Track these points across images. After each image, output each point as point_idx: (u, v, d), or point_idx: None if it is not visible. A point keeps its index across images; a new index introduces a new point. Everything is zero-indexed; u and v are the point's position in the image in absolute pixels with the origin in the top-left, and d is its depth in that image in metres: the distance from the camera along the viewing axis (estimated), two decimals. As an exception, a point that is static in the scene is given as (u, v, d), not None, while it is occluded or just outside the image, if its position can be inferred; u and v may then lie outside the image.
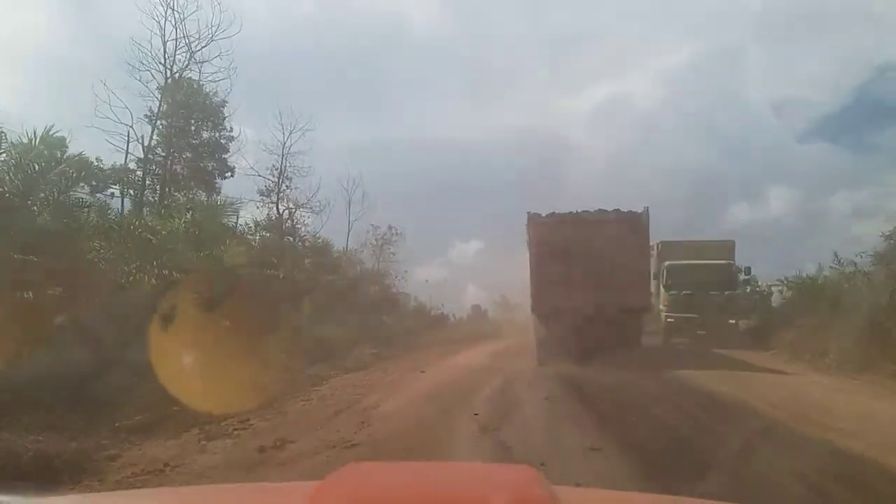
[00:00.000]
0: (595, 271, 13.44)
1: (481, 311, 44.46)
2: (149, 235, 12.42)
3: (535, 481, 1.56)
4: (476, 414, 7.94)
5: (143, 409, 7.85)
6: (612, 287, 13.50)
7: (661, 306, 20.02)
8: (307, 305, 17.14)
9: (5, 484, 4.52)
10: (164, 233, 12.83)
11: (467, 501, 1.52)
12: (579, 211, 14.56)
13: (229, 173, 22.60)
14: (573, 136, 50.34)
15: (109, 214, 13.63)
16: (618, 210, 14.35)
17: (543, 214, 14.56)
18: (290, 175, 26.31)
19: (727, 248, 21.25)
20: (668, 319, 19.55)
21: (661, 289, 20.11)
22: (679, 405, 8.59)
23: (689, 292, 19.23)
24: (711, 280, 19.14)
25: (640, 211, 14.46)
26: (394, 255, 30.15)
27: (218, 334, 11.26)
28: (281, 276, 19.76)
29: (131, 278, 11.93)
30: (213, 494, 2.42)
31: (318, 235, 26.64)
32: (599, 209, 14.46)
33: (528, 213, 14.59)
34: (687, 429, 7.19)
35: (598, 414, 7.96)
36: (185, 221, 14.67)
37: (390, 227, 29.71)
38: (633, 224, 14.05)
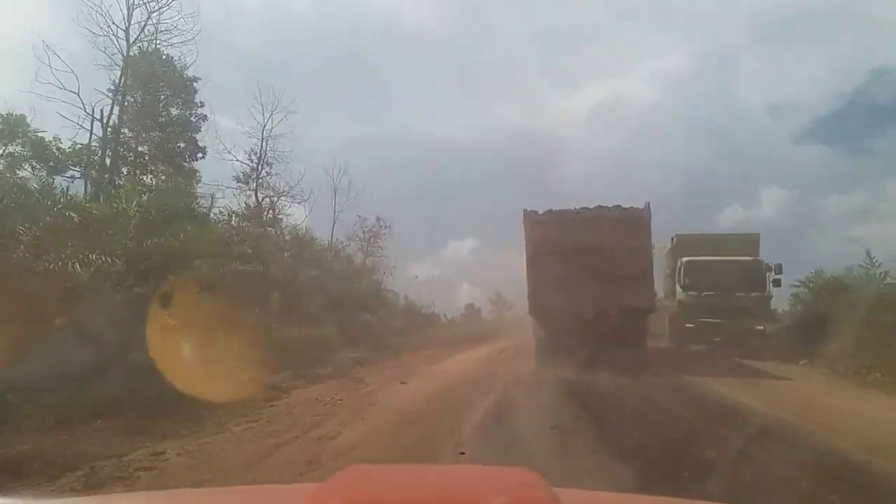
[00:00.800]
0: (595, 271, 12.77)
1: (475, 310, 43.00)
2: (76, 217, 10.41)
3: (536, 483, 1.55)
4: (462, 453, 5.95)
5: (14, 438, 5.86)
6: (613, 287, 12.79)
7: (677, 308, 17.96)
8: (276, 302, 15.13)
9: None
10: (97, 214, 10.83)
11: (467, 503, 1.52)
12: (578, 208, 13.76)
13: (200, 154, 20.55)
14: (568, 134, 49.88)
15: (56, 196, 11.85)
16: (618, 206, 13.51)
17: (540, 212, 13.81)
18: (270, 160, 24.45)
19: (751, 242, 18.78)
20: (687, 325, 17.17)
21: (678, 288, 17.87)
22: (726, 439, 6.65)
23: (710, 293, 16.97)
24: (736, 279, 16.80)
25: (641, 207, 13.60)
26: (382, 249, 28.18)
27: (154, 336, 9.30)
28: (255, 270, 17.89)
29: (52, 266, 9.91)
30: (212, 497, 2.39)
31: (299, 227, 24.78)
32: (599, 205, 13.60)
33: (525, 210, 13.79)
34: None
35: (621, 453, 5.96)
36: (136, 205, 12.70)
37: (379, 219, 27.75)
38: (635, 220, 13.26)
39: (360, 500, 1.47)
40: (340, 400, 9.60)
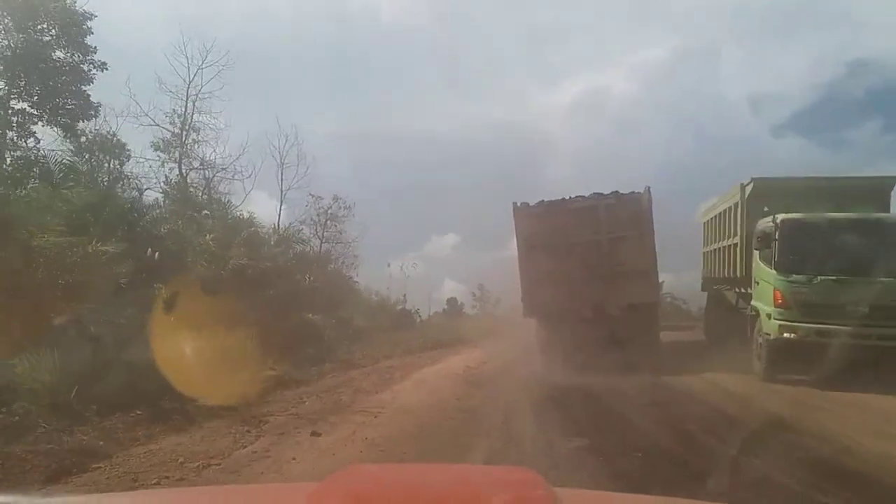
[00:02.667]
0: (592, 264, 12.05)
1: (458, 305, 38.95)
2: None
3: (536, 483, 1.55)
4: None
5: None
6: (612, 281, 12.04)
7: (759, 302, 11.26)
8: (164, 298, 10.63)
9: None
10: None
11: (467, 503, 1.50)
12: (572, 197, 12.75)
13: (93, 112, 15.88)
14: (550, 128, 49.60)
15: None
16: (616, 192, 12.45)
17: (531, 204, 12.73)
18: (197, 125, 19.84)
19: (883, 189, 12.22)
20: (786, 334, 10.12)
21: (762, 268, 11.10)
22: None
23: (837, 277, 9.99)
24: (880, 253, 9.93)
25: (640, 192, 12.46)
26: (342, 234, 23.64)
27: None
28: (151, 255, 13.44)
29: None
30: (212, 495, 2.35)
31: (239, 207, 20.21)
32: (595, 193, 12.63)
33: (514, 203, 12.73)
34: None
35: None
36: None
37: (336, 199, 23.17)
38: (634, 207, 12.23)
39: (360, 500, 1.44)
40: (195, 465, 5.16)
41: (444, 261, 38.52)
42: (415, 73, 46.18)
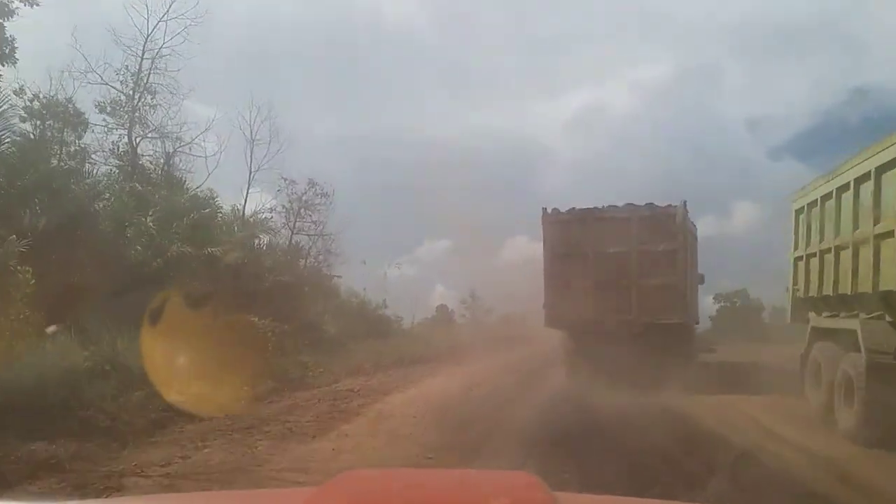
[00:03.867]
0: (620, 277, 11.64)
1: (447, 312, 36.31)
2: None
3: (536, 487, 1.52)
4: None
5: None
6: (640, 297, 11.60)
7: None
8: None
9: None
10: None
11: None
12: (604, 206, 12.32)
13: (6, 49, 12.96)
14: (548, 139, 49.29)
15: None
16: (651, 204, 12.07)
17: (561, 210, 12.48)
18: (153, 87, 17.00)
19: None
20: None
21: None
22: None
23: None
24: None
25: (675, 205, 11.94)
26: (316, 224, 20.79)
27: None
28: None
29: None
30: (208, 501, 2.38)
31: (198, 187, 17.39)
32: (628, 203, 12.18)
33: (543, 209, 12.49)
34: None
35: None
36: None
37: (312, 184, 20.30)
38: (667, 221, 11.77)
39: None
40: None
41: (437, 266, 36.24)
42: (414, 78, 44.17)
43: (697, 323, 14.38)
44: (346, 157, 40.10)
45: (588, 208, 12.18)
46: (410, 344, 19.27)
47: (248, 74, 33.31)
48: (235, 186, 19.47)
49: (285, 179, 19.88)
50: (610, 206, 12.17)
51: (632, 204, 12.03)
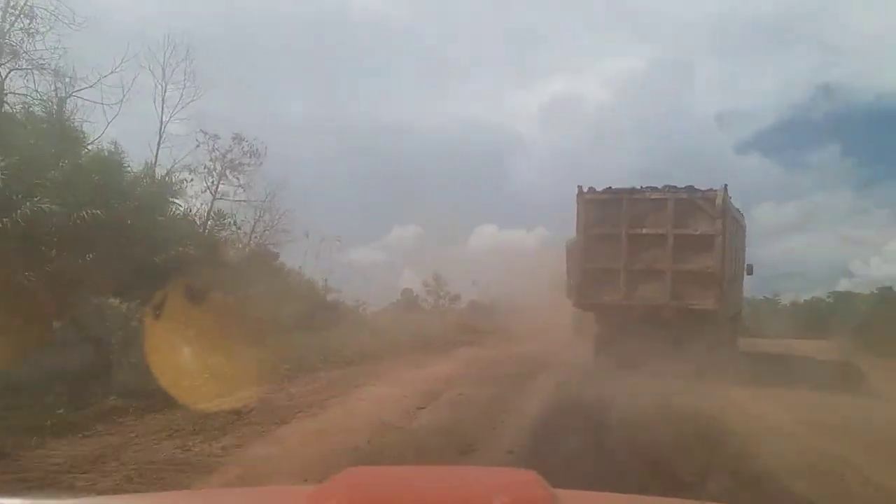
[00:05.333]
0: (655, 260, 11.34)
1: (412, 296, 33.23)
2: None
3: (537, 484, 1.51)
4: None
5: None
6: (675, 281, 11.20)
7: None
8: None
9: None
10: None
11: None
12: (642, 187, 11.89)
13: None
14: (522, 129, 46.77)
15: None
16: (690, 187, 11.59)
17: (598, 189, 12.01)
18: (31, 9, 12.90)
19: None
20: None
21: None
22: None
23: None
24: None
25: (716, 189, 11.41)
26: (242, 189, 16.92)
27: None
28: None
29: None
30: (210, 498, 2.36)
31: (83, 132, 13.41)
32: (668, 185, 11.75)
33: (579, 187, 12.00)
34: None
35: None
36: None
37: (238, 139, 16.38)
38: (707, 204, 11.25)
39: (359, 502, 1.44)
40: None
41: (405, 252, 34.32)
42: (387, 64, 43.18)
43: (739, 312, 14.19)
44: (317, 143, 38.05)
45: (625, 188, 11.88)
46: (359, 335, 15.55)
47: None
48: (142, 142, 15.57)
49: (206, 134, 15.99)
50: (648, 186, 11.85)
51: (671, 185, 11.72)
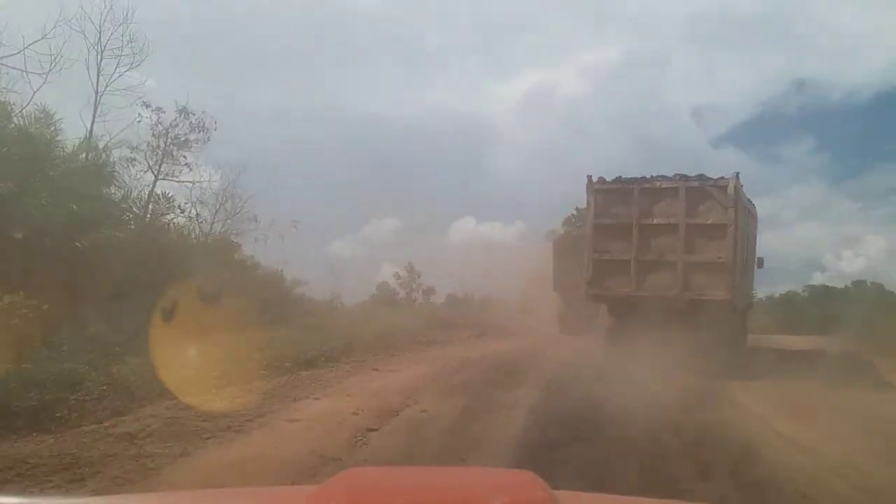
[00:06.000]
0: (666, 250, 11.19)
1: (390, 290, 31.95)
2: None
3: (536, 485, 1.50)
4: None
5: None
6: (685, 271, 11.05)
7: None
8: None
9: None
10: None
11: None
12: (653, 176, 11.71)
13: None
14: (499, 121, 47.75)
15: None
16: (702, 176, 11.40)
17: (607, 178, 11.92)
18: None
19: None
20: None
21: None
22: None
23: None
24: None
25: (727, 177, 11.19)
26: (188, 162, 15.04)
27: None
28: None
29: None
30: (210, 498, 2.27)
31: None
32: (679, 174, 11.52)
33: (588, 176, 11.95)
34: None
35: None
36: None
37: (184, 113, 14.43)
38: (719, 193, 11.05)
39: (359, 502, 1.43)
40: None
41: (384, 245, 33.57)
42: (364, 54, 43.19)
43: (750, 305, 14.04)
44: (290, 132, 36.91)
45: (635, 177, 11.73)
46: (321, 332, 13.88)
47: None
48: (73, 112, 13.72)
49: (147, 106, 14.11)
50: (658, 175, 11.70)
51: (682, 174, 11.50)
